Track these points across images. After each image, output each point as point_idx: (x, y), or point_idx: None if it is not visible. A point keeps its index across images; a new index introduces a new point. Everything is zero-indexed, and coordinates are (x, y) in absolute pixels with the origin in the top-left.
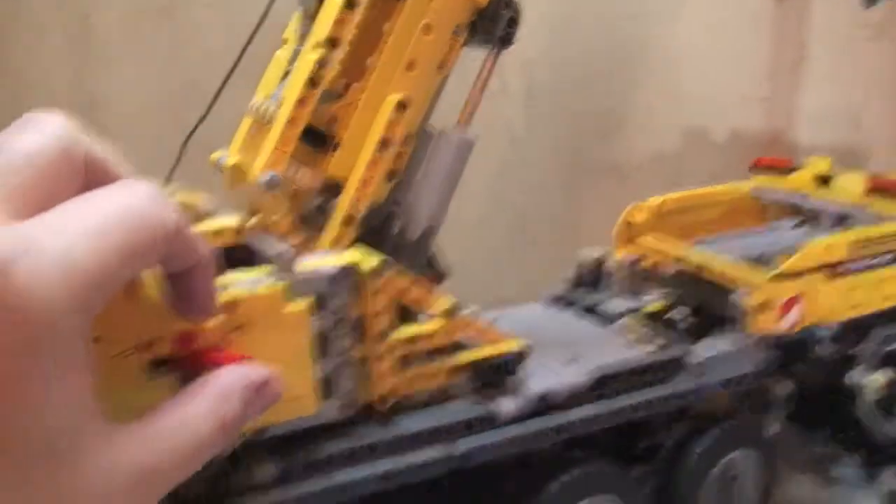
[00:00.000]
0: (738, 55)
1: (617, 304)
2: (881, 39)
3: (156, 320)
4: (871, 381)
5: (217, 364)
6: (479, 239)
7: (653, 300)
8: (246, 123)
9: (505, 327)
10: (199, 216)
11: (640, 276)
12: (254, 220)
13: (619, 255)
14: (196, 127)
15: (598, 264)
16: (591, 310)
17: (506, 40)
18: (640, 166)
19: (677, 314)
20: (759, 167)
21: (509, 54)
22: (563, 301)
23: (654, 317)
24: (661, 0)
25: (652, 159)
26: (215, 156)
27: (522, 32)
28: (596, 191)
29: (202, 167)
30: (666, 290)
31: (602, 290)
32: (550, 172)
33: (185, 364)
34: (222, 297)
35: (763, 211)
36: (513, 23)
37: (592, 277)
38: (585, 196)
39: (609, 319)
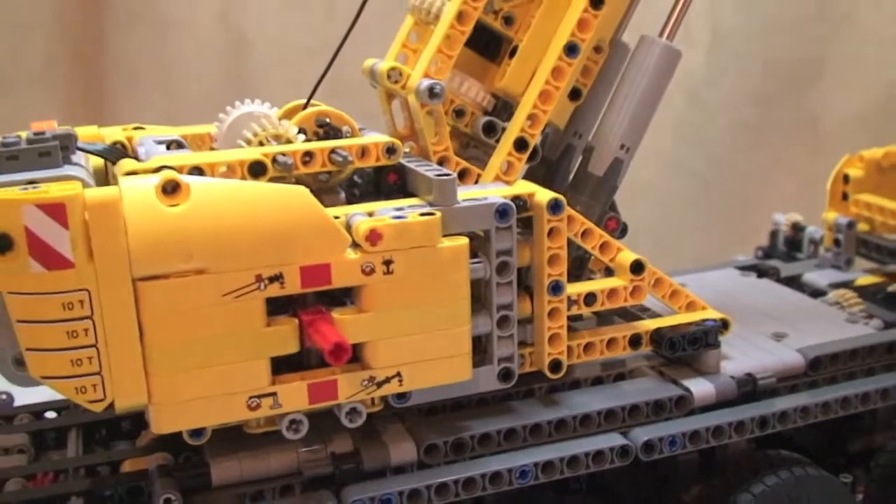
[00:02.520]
0: None
1: (822, 274)
2: None
3: (283, 247)
4: None
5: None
6: (653, 206)
7: (869, 272)
8: (407, 24)
9: (698, 294)
10: (346, 134)
11: (854, 242)
12: (408, 147)
13: (832, 217)
14: (341, 44)
15: (796, 230)
16: (790, 281)
17: None
18: (842, 123)
19: None
20: None
21: None
22: (756, 270)
23: (870, 290)
24: None
25: (856, 116)
26: (368, 63)
27: None
28: (788, 151)
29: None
30: (886, 259)
31: (800, 259)
32: (735, 129)
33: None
34: (364, 225)
35: None
36: None
37: (788, 245)
38: (775, 157)
39: (815, 292)
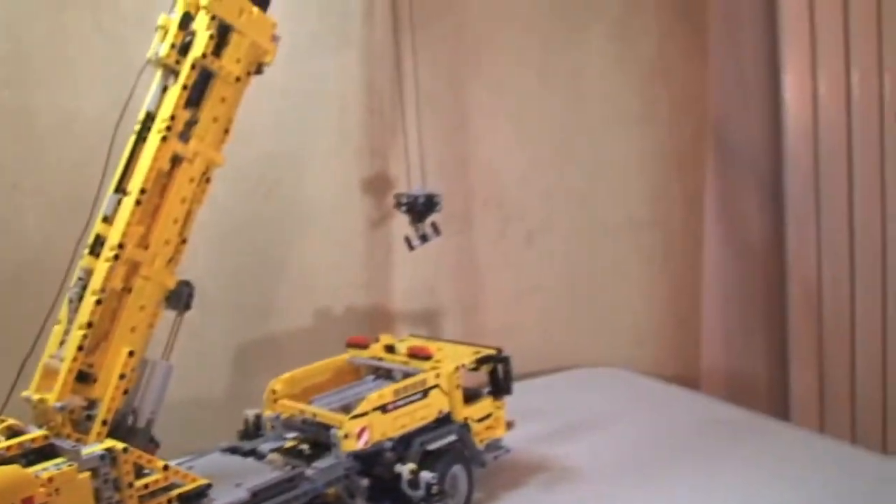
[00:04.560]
0: (347, 258)
1: (268, 445)
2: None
3: (11, 493)
4: (405, 469)
5: None
6: (176, 403)
7: (290, 440)
8: (39, 370)
9: (198, 471)
10: (20, 432)
11: (282, 426)
12: (47, 428)
13: (268, 413)
14: None
15: (258, 419)
16: (251, 452)
17: (187, 306)
18: (288, 341)
19: (304, 447)
20: (349, 344)
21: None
22: (232, 450)
23: (290, 451)
24: (293, 221)
25: (295, 335)
26: (25, 394)
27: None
28: (259, 364)
29: None
30: (297, 433)
31: (261, 436)
32: (227, 352)
33: None
34: (45, 475)
35: (357, 371)
36: (190, 296)
37: (255, 429)
38: (252, 369)
39: (262, 457)
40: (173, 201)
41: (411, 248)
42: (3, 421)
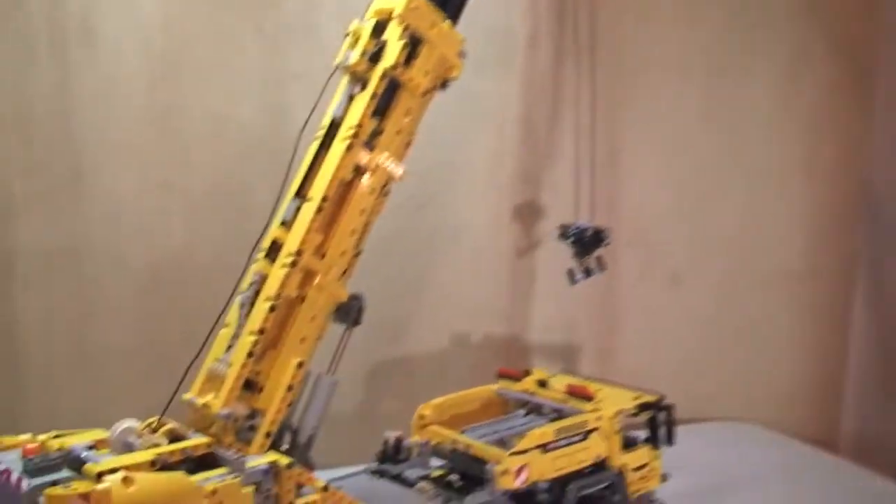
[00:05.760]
0: (490, 284)
1: (414, 472)
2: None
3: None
4: None
5: None
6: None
7: (437, 468)
8: (203, 374)
9: (350, 493)
10: (180, 436)
11: (430, 452)
12: (206, 434)
13: (415, 439)
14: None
15: (398, 442)
16: (397, 477)
17: (357, 321)
18: (421, 364)
19: (453, 478)
20: (501, 375)
21: None
22: (379, 472)
23: (439, 480)
24: (440, 241)
25: (429, 357)
26: (187, 396)
27: None
28: (390, 383)
29: None
30: (446, 462)
31: (403, 461)
32: (361, 369)
33: None
34: (209, 487)
35: (505, 404)
36: (360, 311)
37: (394, 452)
38: (382, 388)
39: (410, 484)
40: (353, 212)
41: (574, 281)
42: (163, 424)
